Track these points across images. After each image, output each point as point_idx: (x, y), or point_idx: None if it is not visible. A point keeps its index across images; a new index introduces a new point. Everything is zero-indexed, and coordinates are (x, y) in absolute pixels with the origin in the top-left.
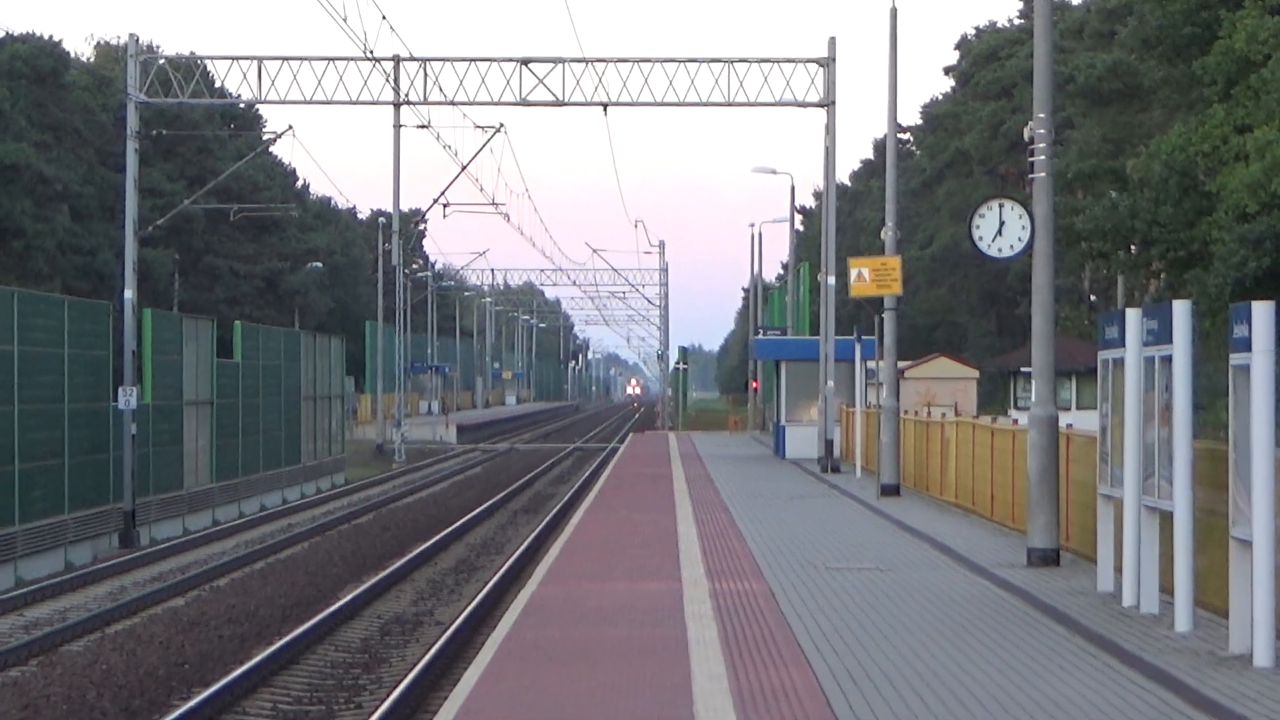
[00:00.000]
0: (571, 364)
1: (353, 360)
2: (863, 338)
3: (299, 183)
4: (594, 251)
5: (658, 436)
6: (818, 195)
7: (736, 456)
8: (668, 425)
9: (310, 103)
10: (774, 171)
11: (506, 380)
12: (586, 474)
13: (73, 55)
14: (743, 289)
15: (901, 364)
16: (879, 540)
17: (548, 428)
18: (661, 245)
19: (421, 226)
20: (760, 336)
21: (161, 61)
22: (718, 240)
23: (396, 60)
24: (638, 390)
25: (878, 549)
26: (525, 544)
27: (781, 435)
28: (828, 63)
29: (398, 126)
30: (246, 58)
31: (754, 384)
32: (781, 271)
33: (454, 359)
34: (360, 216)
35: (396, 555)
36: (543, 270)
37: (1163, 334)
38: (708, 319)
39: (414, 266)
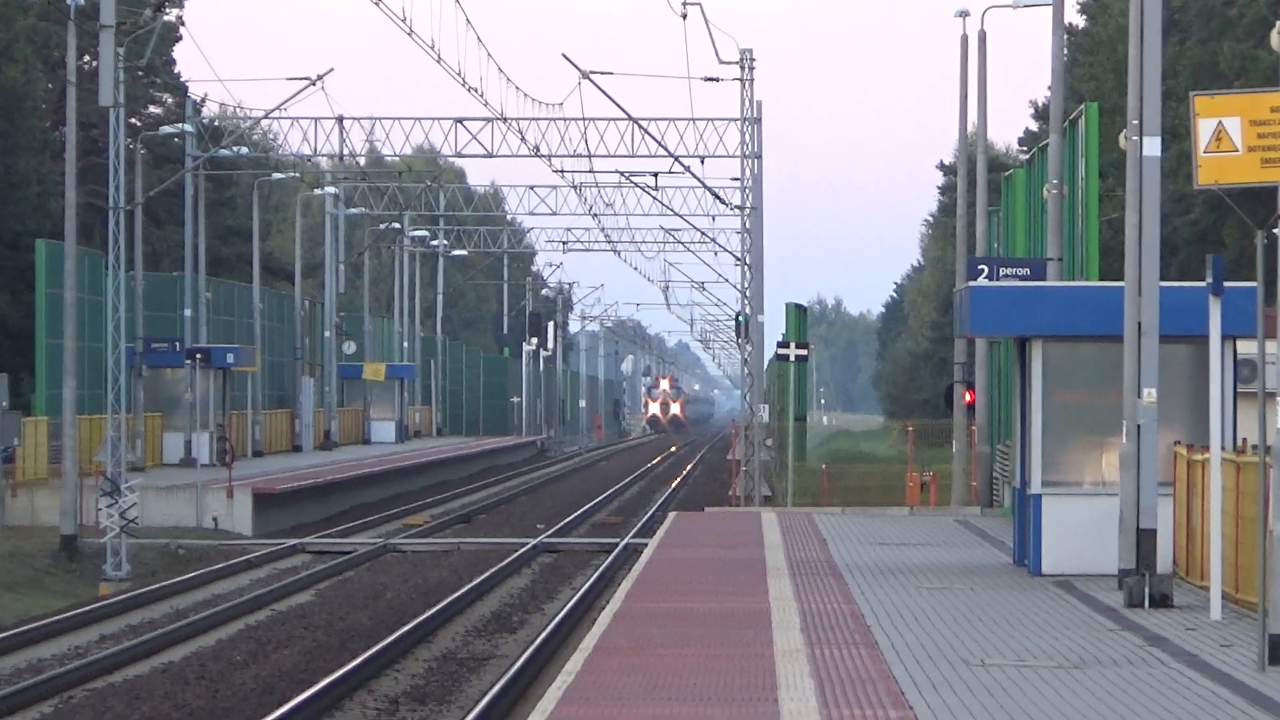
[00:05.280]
0: (530, 345)
1: (8, 334)
2: (1225, 286)
3: None
4: (584, 76)
5: (735, 519)
6: None
7: (924, 568)
8: (760, 494)
9: None
10: None
11: (375, 383)
12: (565, 608)
13: None
14: (939, 168)
15: None
16: None
17: (470, 497)
18: (745, 63)
19: (172, 13)
20: (980, 283)
21: None
22: (879, 69)
23: None
24: (675, 408)
25: None
26: None
27: (1033, 519)
28: None
29: None
30: None
31: (967, 396)
32: (1032, 127)
33: (249, 334)
34: None
35: None
36: (463, 121)
37: None
38: (853, 248)
39: (153, 110)
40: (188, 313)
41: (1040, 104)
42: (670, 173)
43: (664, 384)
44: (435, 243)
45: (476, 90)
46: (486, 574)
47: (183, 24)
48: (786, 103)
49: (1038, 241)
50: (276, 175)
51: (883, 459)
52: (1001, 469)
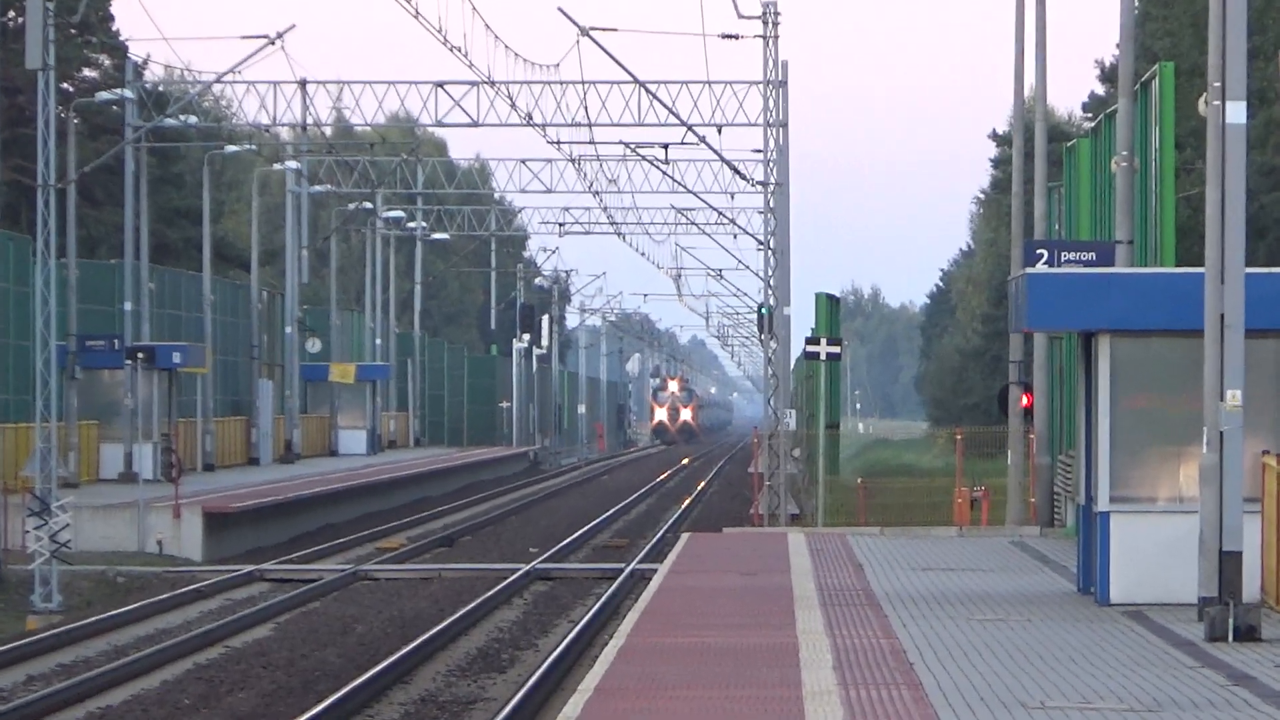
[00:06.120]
0: (521, 342)
1: None
2: None
3: None
4: (583, 33)
5: (758, 541)
6: None
7: (975, 597)
8: (786, 512)
9: None
10: None
11: (343, 386)
12: (562, 643)
13: None
14: (991, 138)
15: None
16: None
17: (453, 517)
18: (768, 18)
19: None
20: (1039, 270)
21: None
22: (922, 25)
23: None
24: (686, 414)
25: None
26: None
27: (1100, 540)
28: None
29: None
30: None
31: (1024, 399)
32: (1099, 91)
33: (199, 330)
34: None
35: None
36: (444, 86)
37: None
38: (893, 231)
39: (89, 73)
40: (128, 306)
41: (1108, 64)
42: (683, 144)
43: (672, 385)
44: (412, 225)
45: (460, 50)
46: (472, 605)
47: None
48: (816, 65)
49: (1105, 222)
50: (230, 148)
51: (927, 472)
52: (1064, 483)
